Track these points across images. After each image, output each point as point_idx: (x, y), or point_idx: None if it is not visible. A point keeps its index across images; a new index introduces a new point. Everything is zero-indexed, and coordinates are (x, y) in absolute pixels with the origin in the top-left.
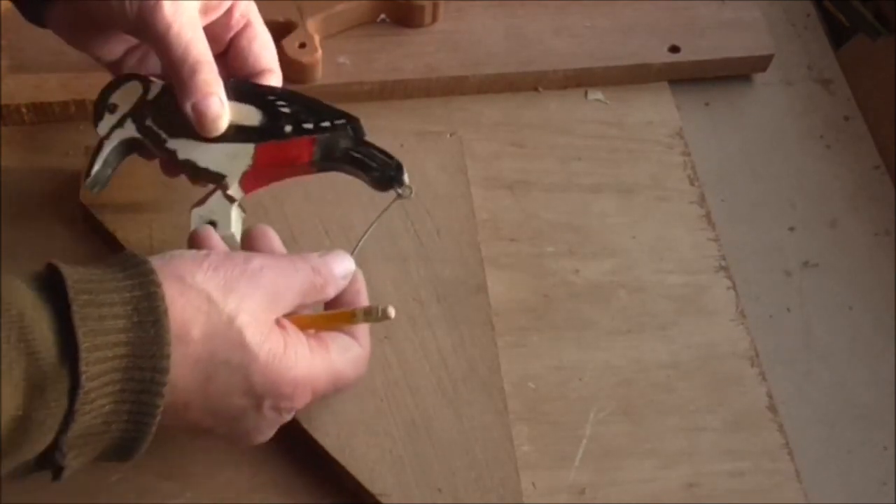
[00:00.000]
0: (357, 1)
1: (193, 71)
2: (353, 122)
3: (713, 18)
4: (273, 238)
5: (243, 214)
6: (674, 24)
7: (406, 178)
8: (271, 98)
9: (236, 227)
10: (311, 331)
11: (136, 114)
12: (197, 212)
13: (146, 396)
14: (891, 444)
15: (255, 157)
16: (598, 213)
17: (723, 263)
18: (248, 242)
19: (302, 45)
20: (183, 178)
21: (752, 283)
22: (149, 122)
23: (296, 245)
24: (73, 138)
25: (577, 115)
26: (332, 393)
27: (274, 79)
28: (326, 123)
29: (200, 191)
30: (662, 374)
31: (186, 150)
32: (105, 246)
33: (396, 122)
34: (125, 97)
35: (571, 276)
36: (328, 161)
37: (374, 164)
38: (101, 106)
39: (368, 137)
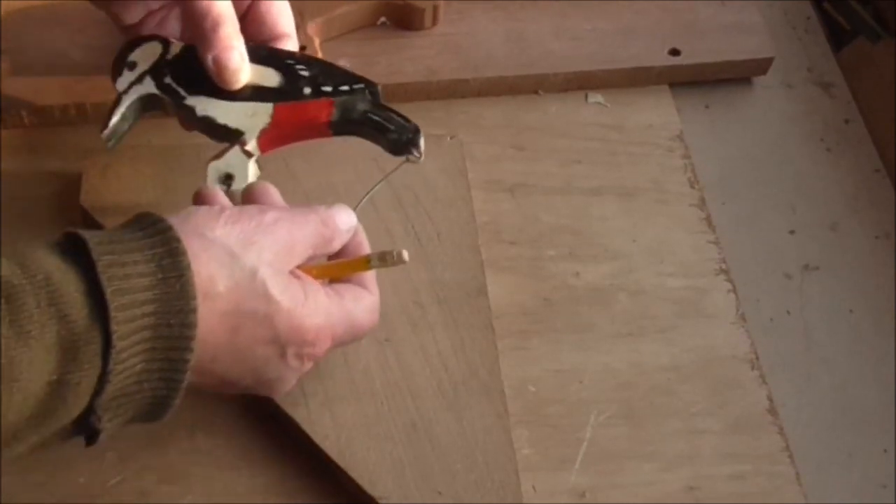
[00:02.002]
0: (357, 3)
1: (216, 24)
2: (371, 86)
3: (713, 21)
4: (275, 194)
5: (259, 172)
6: (674, 26)
7: (422, 142)
8: (290, 62)
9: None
10: (322, 281)
11: (154, 71)
12: (214, 165)
13: (176, 353)
14: (891, 446)
15: (274, 116)
16: (598, 216)
17: (723, 266)
18: (250, 199)
19: (302, 48)
20: (184, 181)
21: (753, 286)
22: (168, 80)
23: None
24: (73, 141)
25: (577, 117)
26: (349, 340)
27: (291, 44)
28: (345, 87)
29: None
30: (663, 377)
31: (205, 106)
32: None
33: None
34: (144, 56)
35: (572, 279)
36: (346, 123)
37: (391, 127)
38: (121, 63)
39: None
